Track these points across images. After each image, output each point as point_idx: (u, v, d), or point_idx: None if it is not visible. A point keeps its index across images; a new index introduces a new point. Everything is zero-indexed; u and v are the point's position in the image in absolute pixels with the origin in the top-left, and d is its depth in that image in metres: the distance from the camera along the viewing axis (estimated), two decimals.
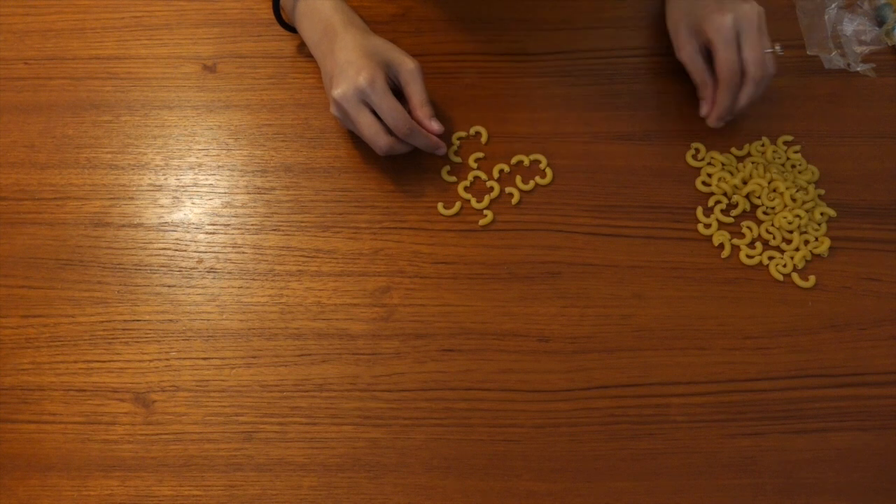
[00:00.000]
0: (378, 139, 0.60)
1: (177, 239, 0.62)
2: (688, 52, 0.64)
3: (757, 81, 0.61)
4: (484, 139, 0.66)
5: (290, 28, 0.68)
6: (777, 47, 0.62)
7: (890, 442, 0.55)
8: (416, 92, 0.62)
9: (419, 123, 0.62)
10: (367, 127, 0.60)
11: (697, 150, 0.65)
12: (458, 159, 0.65)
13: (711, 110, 0.64)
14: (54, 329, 0.59)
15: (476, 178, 0.65)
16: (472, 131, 0.66)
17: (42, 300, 0.60)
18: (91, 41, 0.71)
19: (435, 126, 0.63)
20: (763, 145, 0.65)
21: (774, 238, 0.62)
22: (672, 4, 0.66)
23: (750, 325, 0.59)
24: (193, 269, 0.61)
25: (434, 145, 0.63)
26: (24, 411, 0.57)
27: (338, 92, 0.59)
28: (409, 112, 0.62)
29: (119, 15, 0.72)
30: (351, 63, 0.60)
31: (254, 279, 0.61)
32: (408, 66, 0.62)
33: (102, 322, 0.59)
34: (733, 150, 0.65)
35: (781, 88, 0.68)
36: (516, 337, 0.59)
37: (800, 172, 0.64)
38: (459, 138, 0.66)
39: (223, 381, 0.57)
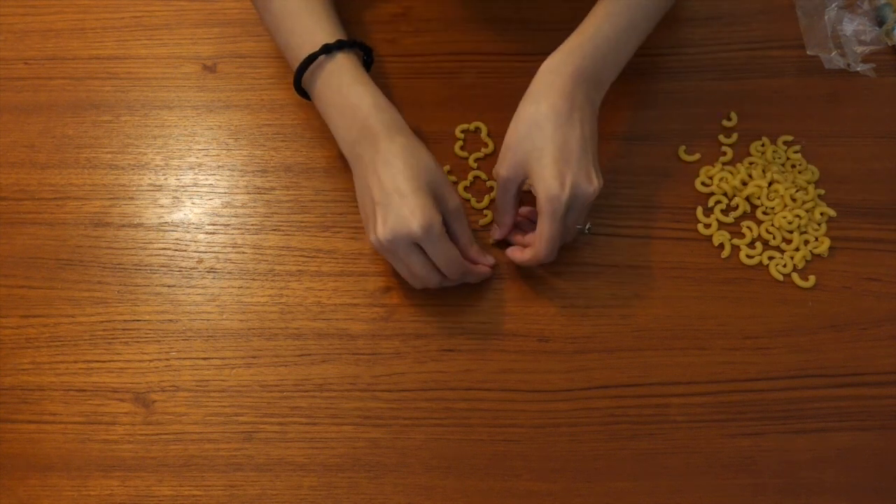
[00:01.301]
0: (431, 279, 0.56)
1: (177, 239, 0.62)
2: (504, 179, 0.57)
3: (549, 257, 0.56)
4: (484, 133, 0.66)
5: (307, 96, 0.62)
6: (587, 226, 0.59)
7: (890, 442, 0.55)
8: (463, 231, 0.57)
9: (473, 262, 0.58)
10: (420, 268, 0.55)
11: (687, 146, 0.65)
12: (464, 154, 0.65)
13: (514, 252, 0.59)
14: (54, 329, 0.59)
15: (476, 178, 0.65)
16: (472, 126, 0.66)
17: (42, 300, 0.60)
18: (91, 41, 0.71)
19: (490, 260, 0.59)
20: (763, 145, 0.65)
21: (774, 238, 0.62)
22: (521, 115, 0.56)
23: (750, 325, 0.59)
24: (193, 269, 0.61)
25: (483, 275, 0.59)
26: (24, 411, 0.57)
27: (386, 234, 0.53)
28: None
29: (119, 15, 0.72)
30: (402, 196, 0.53)
31: (254, 279, 0.61)
32: (455, 202, 0.56)
33: (102, 322, 0.59)
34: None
35: (781, 88, 0.68)
36: (516, 337, 0.59)
37: (800, 172, 0.64)
38: (463, 131, 0.66)
39: (223, 381, 0.57)
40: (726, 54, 0.70)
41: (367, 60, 0.63)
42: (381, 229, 0.53)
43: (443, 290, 0.59)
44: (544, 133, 0.54)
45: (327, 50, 0.59)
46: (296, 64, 0.60)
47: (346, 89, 0.58)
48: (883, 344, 0.58)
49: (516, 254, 0.59)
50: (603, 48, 0.58)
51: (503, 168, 0.57)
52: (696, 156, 0.65)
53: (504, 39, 0.70)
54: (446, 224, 0.56)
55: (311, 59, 0.59)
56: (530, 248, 0.57)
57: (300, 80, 0.60)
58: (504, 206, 0.59)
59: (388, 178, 0.54)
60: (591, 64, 0.57)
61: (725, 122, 0.66)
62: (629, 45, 0.60)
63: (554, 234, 0.55)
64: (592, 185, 0.54)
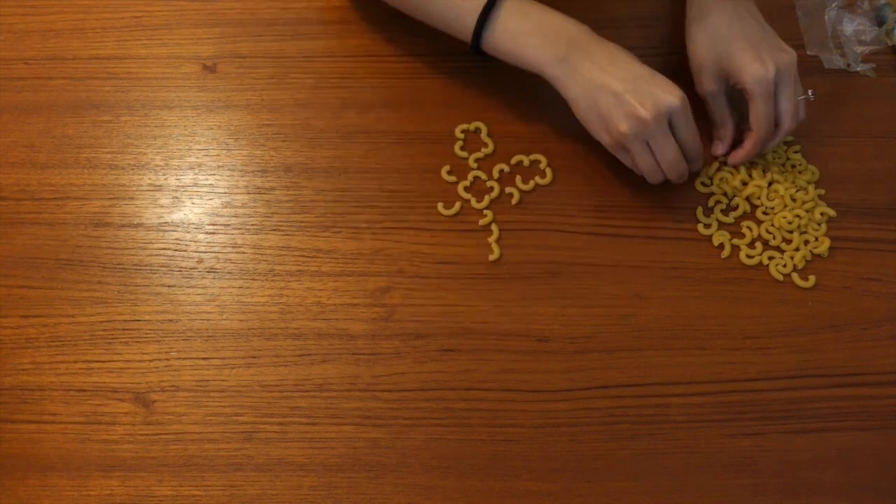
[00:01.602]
0: (680, 164, 0.59)
1: (177, 239, 0.62)
2: (712, 93, 0.62)
3: (787, 133, 0.61)
4: (484, 133, 0.66)
5: (482, 53, 0.62)
6: (809, 92, 0.62)
7: (890, 442, 0.55)
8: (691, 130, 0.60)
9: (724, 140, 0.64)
10: (672, 150, 0.58)
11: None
12: (464, 154, 0.65)
13: (735, 151, 0.63)
14: (54, 329, 0.59)
15: (476, 178, 0.65)
16: (472, 126, 0.66)
17: (42, 300, 0.60)
18: (91, 41, 0.71)
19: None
20: None
21: (774, 238, 0.62)
22: (696, 35, 0.62)
23: (750, 325, 0.59)
24: (193, 269, 0.61)
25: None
26: (24, 411, 0.57)
27: (649, 113, 0.55)
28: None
29: (119, 15, 0.72)
30: (647, 79, 0.56)
31: (254, 279, 0.61)
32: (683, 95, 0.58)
33: (102, 322, 0.59)
34: None
35: None
36: (516, 337, 0.59)
37: (800, 172, 0.64)
38: (463, 131, 0.66)
39: (223, 381, 0.57)
40: None
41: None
42: (643, 111, 0.55)
43: (443, 290, 0.60)
44: (724, 35, 0.59)
45: (492, 3, 0.59)
46: (467, 25, 0.60)
47: (537, 15, 0.59)
48: (883, 344, 0.58)
49: (738, 153, 0.63)
50: None
51: (705, 83, 0.62)
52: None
53: None
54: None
55: (488, 9, 0.59)
56: (751, 136, 0.61)
57: (480, 35, 0.60)
58: (721, 118, 0.63)
59: (623, 70, 0.57)
60: None
61: None
62: None
63: (770, 112, 0.59)
64: (787, 53, 0.59)
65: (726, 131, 0.64)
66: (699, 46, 0.61)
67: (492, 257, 0.61)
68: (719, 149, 0.64)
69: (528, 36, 0.59)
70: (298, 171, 0.65)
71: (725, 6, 0.60)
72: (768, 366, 0.58)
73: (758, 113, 0.60)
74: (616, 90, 0.56)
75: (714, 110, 0.64)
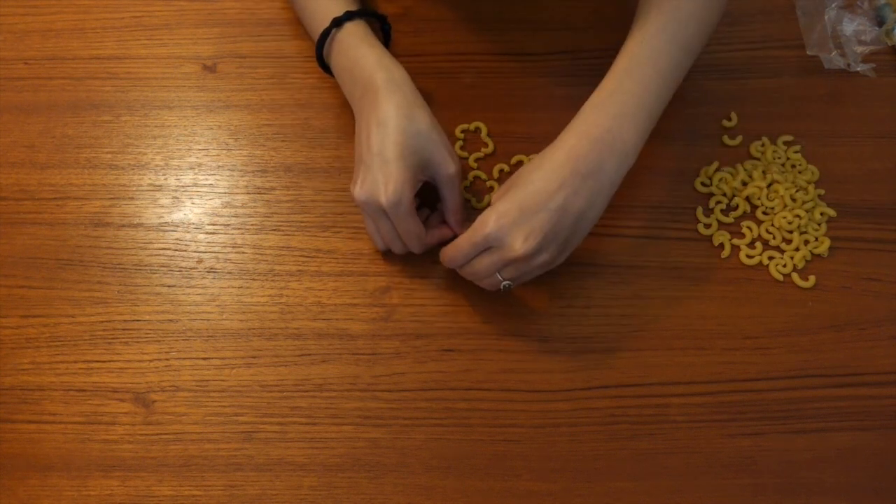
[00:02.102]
0: (394, 245, 0.58)
1: (177, 239, 0.62)
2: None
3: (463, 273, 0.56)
4: (484, 133, 0.66)
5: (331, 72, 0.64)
6: (506, 283, 0.54)
7: (890, 442, 0.55)
8: (451, 198, 0.58)
9: (451, 228, 0.59)
10: (386, 233, 0.57)
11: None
12: (464, 154, 0.65)
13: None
14: (54, 329, 0.59)
15: (476, 178, 0.65)
16: (472, 126, 0.66)
17: (42, 300, 0.60)
18: (91, 41, 0.71)
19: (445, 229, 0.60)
20: (763, 145, 0.65)
21: (774, 238, 0.62)
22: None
23: (750, 325, 0.59)
24: (193, 269, 0.61)
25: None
26: (24, 411, 0.57)
27: (359, 194, 0.55)
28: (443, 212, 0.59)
29: (119, 15, 0.72)
30: (383, 161, 0.54)
31: (254, 279, 0.61)
32: (448, 171, 0.56)
33: (102, 322, 0.59)
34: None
35: (781, 88, 0.68)
36: (516, 337, 0.59)
37: (800, 172, 0.64)
38: (463, 131, 0.66)
39: (223, 381, 0.57)
40: (726, 54, 0.70)
41: (385, 28, 0.65)
42: (358, 189, 0.55)
43: (443, 290, 0.60)
44: (527, 182, 0.53)
45: (337, 23, 0.60)
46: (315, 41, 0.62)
47: (352, 51, 0.60)
48: (883, 344, 0.58)
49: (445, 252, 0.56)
50: (629, 106, 0.54)
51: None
52: (739, 139, 0.65)
53: (504, 39, 0.70)
54: (437, 187, 0.57)
55: (326, 34, 0.61)
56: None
57: (321, 55, 0.63)
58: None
59: (376, 141, 0.55)
60: (615, 124, 0.54)
61: (725, 123, 0.66)
62: (661, 96, 0.56)
63: (461, 249, 0.54)
64: (522, 246, 0.51)
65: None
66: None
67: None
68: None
69: (342, 71, 0.61)
70: (298, 171, 0.65)
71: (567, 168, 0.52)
72: (768, 366, 0.58)
73: (448, 204, 0.58)
74: (362, 156, 0.56)
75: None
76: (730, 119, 0.67)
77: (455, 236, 0.58)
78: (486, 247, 0.53)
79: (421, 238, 0.57)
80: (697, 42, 0.59)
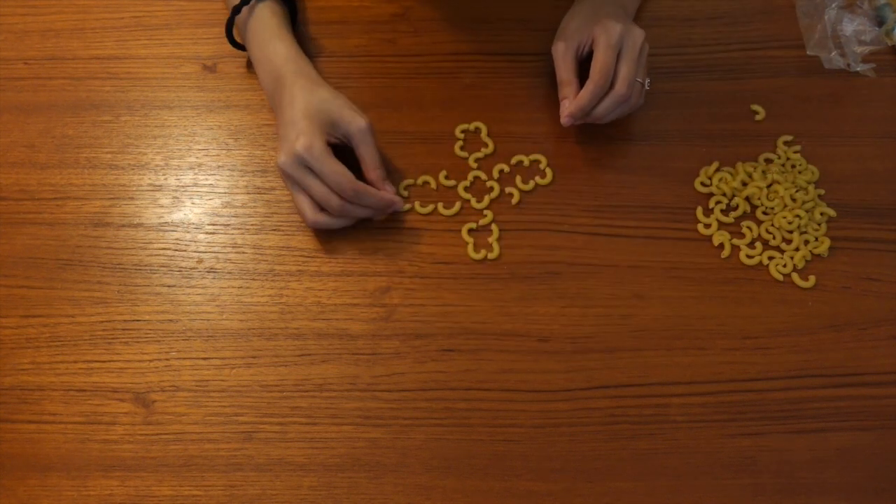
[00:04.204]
0: (330, 200, 0.58)
1: (177, 239, 0.62)
2: (562, 50, 0.64)
3: (618, 98, 0.61)
4: (484, 133, 0.66)
5: (242, 47, 0.68)
6: (647, 81, 0.63)
7: (890, 442, 0.55)
8: (367, 153, 0.60)
9: (373, 185, 0.60)
10: (316, 188, 0.58)
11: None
12: (464, 154, 0.65)
13: (568, 104, 0.63)
14: (54, 329, 0.59)
15: (476, 178, 0.65)
16: (472, 126, 0.66)
17: (42, 300, 0.60)
18: (91, 41, 0.71)
19: (390, 189, 0.61)
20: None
21: (774, 238, 0.62)
22: (577, 8, 0.67)
23: (750, 325, 0.59)
24: (193, 269, 0.61)
25: (388, 204, 0.60)
26: (24, 411, 0.57)
27: (280, 159, 0.58)
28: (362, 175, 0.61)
29: (119, 15, 0.72)
30: (293, 124, 0.58)
31: (254, 279, 0.61)
32: (358, 125, 0.59)
33: (102, 322, 0.59)
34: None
35: (781, 88, 0.68)
36: (516, 337, 0.59)
37: (800, 172, 0.64)
38: (463, 131, 0.66)
39: (223, 381, 0.57)
40: (726, 54, 0.70)
41: (292, 9, 0.67)
42: (279, 156, 0.58)
43: (443, 290, 0.60)
44: (597, 10, 0.64)
45: (246, 2, 0.64)
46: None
47: (265, 45, 0.64)
48: (883, 344, 0.58)
49: (570, 106, 0.63)
50: None
51: (559, 43, 0.64)
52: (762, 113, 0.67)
53: (504, 39, 0.70)
54: (352, 146, 0.61)
55: (235, 11, 0.65)
56: (587, 86, 0.61)
57: (231, 37, 0.67)
58: (566, 77, 0.64)
59: (287, 113, 0.59)
60: None
61: (757, 117, 0.67)
62: None
63: (609, 63, 0.61)
64: (641, 32, 0.62)
65: (568, 91, 0.63)
66: (574, 14, 0.66)
67: (491, 256, 0.61)
68: (564, 107, 0.63)
69: (256, 62, 0.65)
70: None
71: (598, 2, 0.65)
72: (768, 366, 0.58)
73: (598, 58, 0.61)
74: (279, 135, 0.60)
75: (560, 67, 0.64)
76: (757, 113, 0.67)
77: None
78: (619, 49, 0.61)
79: (347, 177, 0.58)
80: None
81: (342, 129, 0.60)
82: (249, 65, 0.69)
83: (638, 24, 0.64)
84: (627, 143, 0.66)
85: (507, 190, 0.64)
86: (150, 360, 0.58)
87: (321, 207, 0.59)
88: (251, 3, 0.64)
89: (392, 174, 0.64)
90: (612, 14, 0.63)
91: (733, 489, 0.54)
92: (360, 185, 0.59)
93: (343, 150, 0.61)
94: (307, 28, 0.71)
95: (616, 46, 0.61)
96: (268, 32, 0.64)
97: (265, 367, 0.58)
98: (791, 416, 0.56)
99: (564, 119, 0.63)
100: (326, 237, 0.62)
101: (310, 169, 0.58)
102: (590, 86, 0.61)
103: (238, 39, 0.67)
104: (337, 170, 0.58)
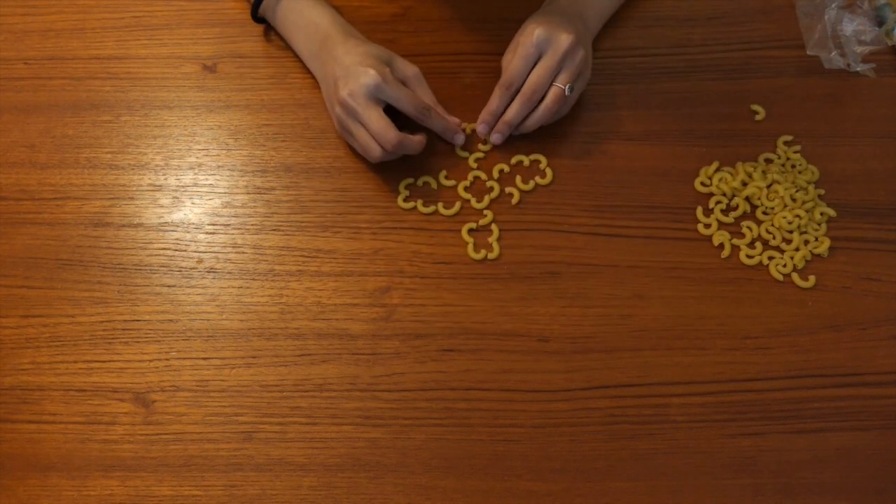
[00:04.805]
0: (388, 132, 0.60)
1: (177, 239, 0.62)
2: (505, 59, 0.65)
3: (525, 101, 0.63)
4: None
5: (263, 21, 0.70)
6: (568, 87, 0.62)
7: (890, 442, 0.55)
8: (425, 93, 0.65)
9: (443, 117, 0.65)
10: (377, 121, 0.60)
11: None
12: (464, 154, 0.66)
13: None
14: (54, 329, 0.59)
15: (476, 178, 0.65)
16: (472, 126, 0.66)
17: (42, 300, 0.60)
18: (91, 41, 0.71)
19: (455, 118, 0.66)
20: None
21: (774, 238, 0.62)
22: (529, 19, 0.65)
23: (750, 325, 0.59)
24: (193, 269, 0.61)
25: (454, 129, 0.65)
26: (24, 411, 0.57)
27: (346, 91, 0.60)
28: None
29: (119, 15, 0.72)
30: (357, 64, 0.60)
31: (254, 279, 0.61)
32: (413, 70, 0.64)
33: (102, 322, 0.59)
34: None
35: (781, 88, 0.68)
36: (516, 337, 0.59)
37: (800, 172, 0.64)
38: (463, 130, 0.66)
39: (223, 381, 0.57)
40: (726, 54, 0.70)
41: None
42: (342, 91, 0.60)
43: (443, 290, 0.60)
44: (537, 16, 0.64)
45: None
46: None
47: (306, 10, 0.66)
48: (883, 344, 0.58)
49: (489, 105, 0.65)
50: None
51: (505, 54, 0.65)
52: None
53: (504, 39, 0.70)
54: (412, 88, 0.64)
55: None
56: (495, 90, 0.64)
57: (258, 7, 0.68)
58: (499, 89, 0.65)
59: (345, 58, 0.62)
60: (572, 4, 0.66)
61: (757, 117, 0.67)
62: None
63: (519, 66, 0.62)
64: (567, 39, 0.61)
65: (491, 106, 0.65)
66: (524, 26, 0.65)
67: (491, 256, 0.61)
68: (480, 127, 0.65)
69: (295, 28, 0.67)
70: (298, 171, 0.65)
71: (554, 16, 0.64)
72: (768, 366, 0.58)
73: (507, 65, 0.64)
74: (336, 77, 0.62)
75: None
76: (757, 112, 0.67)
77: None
78: (537, 56, 0.62)
79: (419, 98, 0.62)
80: None
81: (400, 72, 0.63)
82: (250, 65, 0.69)
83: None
84: (627, 143, 0.66)
85: (507, 190, 0.64)
86: (150, 360, 0.58)
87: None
88: None
89: (392, 174, 0.64)
90: (555, 23, 0.62)
91: (733, 489, 0.54)
92: (431, 106, 0.63)
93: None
94: None
95: (531, 52, 0.62)
96: (308, 1, 0.67)
97: (265, 367, 0.58)
98: (791, 416, 0.56)
99: (479, 127, 0.65)
100: (326, 237, 0.62)
101: (376, 101, 0.60)
102: (496, 90, 0.64)
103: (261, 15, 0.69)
104: (410, 93, 0.62)
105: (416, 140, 0.62)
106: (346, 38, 0.63)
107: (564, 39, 0.61)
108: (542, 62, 0.62)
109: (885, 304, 0.60)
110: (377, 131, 0.60)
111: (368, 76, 0.59)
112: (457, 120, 0.66)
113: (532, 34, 0.61)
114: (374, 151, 0.61)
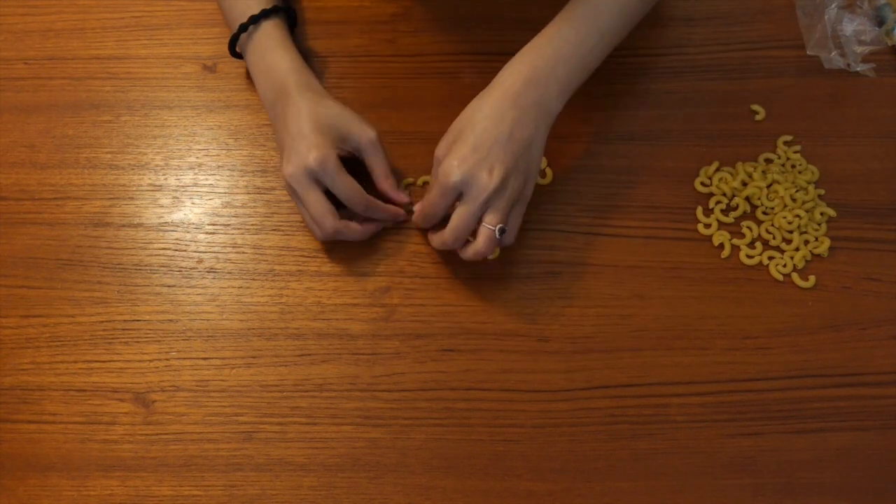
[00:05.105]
0: (325, 220, 0.57)
1: (177, 239, 0.62)
2: (435, 165, 0.58)
3: (445, 242, 0.57)
4: None
5: (241, 57, 0.66)
6: (499, 227, 0.55)
7: (890, 442, 0.55)
8: (378, 163, 0.60)
9: (386, 195, 0.61)
10: (315, 205, 0.57)
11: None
12: None
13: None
14: (54, 329, 0.59)
15: None
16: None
17: (42, 300, 0.60)
18: (91, 41, 0.71)
19: (403, 197, 0.62)
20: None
21: (774, 238, 0.62)
22: (464, 110, 0.58)
23: (750, 325, 0.59)
24: (193, 269, 0.61)
25: (394, 216, 0.61)
26: (24, 411, 0.57)
27: (288, 170, 0.57)
28: (374, 183, 0.61)
29: (119, 15, 0.72)
30: (303, 137, 0.57)
31: (254, 279, 0.61)
32: (368, 136, 0.59)
33: (102, 322, 0.59)
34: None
35: (781, 88, 0.68)
36: (516, 337, 0.59)
37: (800, 172, 0.64)
38: None
39: (223, 381, 0.57)
40: (726, 54, 0.70)
41: (291, 23, 0.67)
42: (286, 166, 0.57)
43: (443, 290, 0.60)
44: (473, 125, 0.55)
45: (254, 20, 0.63)
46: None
47: (268, 54, 0.63)
48: (883, 344, 0.58)
49: (433, 237, 0.60)
50: (564, 51, 0.58)
51: (437, 150, 0.58)
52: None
53: (504, 39, 0.70)
54: (362, 157, 0.60)
55: (242, 29, 0.64)
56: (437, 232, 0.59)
57: (234, 48, 0.65)
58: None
59: (293, 125, 0.58)
60: (549, 65, 0.57)
61: (757, 117, 0.67)
62: (595, 50, 0.59)
63: (434, 204, 0.57)
64: (491, 179, 0.53)
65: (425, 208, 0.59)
66: (455, 122, 0.58)
67: (491, 256, 0.61)
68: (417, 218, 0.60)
69: (257, 73, 0.64)
70: None
71: (502, 104, 0.55)
72: (768, 366, 0.58)
73: (425, 200, 0.58)
74: (284, 144, 0.59)
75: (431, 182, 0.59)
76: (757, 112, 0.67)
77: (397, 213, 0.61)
78: (456, 195, 0.55)
79: (359, 192, 0.58)
80: (635, 11, 0.63)
81: (353, 143, 0.59)
82: None
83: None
84: (627, 143, 0.66)
85: None
86: (150, 360, 0.58)
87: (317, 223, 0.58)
88: (259, 21, 0.63)
89: (392, 174, 0.64)
90: (480, 156, 0.54)
91: (733, 489, 0.54)
92: (372, 199, 0.59)
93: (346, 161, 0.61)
94: (307, 28, 0.71)
95: (449, 191, 0.55)
96: (271, 42, 0.63)
97: (265, 367, 0.58)
98: (791, 416, 0.56)
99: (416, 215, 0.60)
100: None
101: (316, 183, 0.57)
102: (416, 219, 0.60)
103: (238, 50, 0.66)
104: (350, 185, 0.57)
105: (359, 231, 0.59)
106: (301, 93, 0.59)
107: (485, 181, 0.53)
108: (463, 206, 0.55)
109: (885, 304, 0.60)
110: (314, 216, 0.57)
111: (310, 158, 0.56)
112: (404, 198, 0.61)
113: (449, 175, 0.54)
114: (316, 233, 0.59)
